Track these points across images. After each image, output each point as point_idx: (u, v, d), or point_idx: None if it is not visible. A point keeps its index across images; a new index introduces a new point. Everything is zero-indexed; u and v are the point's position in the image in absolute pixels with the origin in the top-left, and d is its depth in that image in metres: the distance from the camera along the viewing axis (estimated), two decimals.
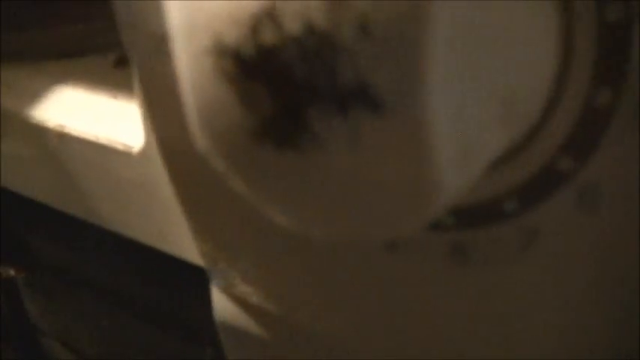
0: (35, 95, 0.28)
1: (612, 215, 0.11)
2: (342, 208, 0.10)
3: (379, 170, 0.09)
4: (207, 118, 0.10)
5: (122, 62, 0.29)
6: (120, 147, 0.22)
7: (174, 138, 0.16)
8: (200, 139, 0.11)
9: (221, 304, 0.19)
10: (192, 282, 0.21)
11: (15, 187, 0.29)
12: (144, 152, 0.21)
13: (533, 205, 0.12)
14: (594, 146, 0.11)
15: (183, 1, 0.10)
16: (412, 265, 0.13)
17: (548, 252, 0.12)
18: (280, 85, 0.09)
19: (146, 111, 0.19)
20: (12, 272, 0.34)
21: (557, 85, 0.10)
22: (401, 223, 0.09)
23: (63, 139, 0.24)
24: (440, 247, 0.13)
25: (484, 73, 0.09)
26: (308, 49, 0.09)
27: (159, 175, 0.20)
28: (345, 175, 0.09)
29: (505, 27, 0.09)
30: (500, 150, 0.10)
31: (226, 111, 0.10)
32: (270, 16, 0.09)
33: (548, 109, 0.11)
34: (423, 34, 0.08)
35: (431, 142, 0.09)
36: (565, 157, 0.11)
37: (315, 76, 0.09)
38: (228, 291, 0.19)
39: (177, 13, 0.10)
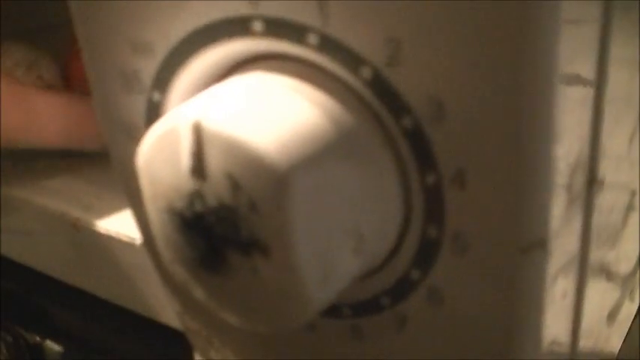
0: (53, 188, 0.34)
1: (454, 309, 0.17)
2: (250, 311, 0.15)
3: (270, 290, 0.15)
4: (165, 248, 0.16)
5: None
6: (125, 239, 0.28)
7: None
8: (164, 260, 0.16)
9: None
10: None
11: (35, 265, 0.34)
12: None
13: (399, 301, 0.17)
14: (433, 262, 0.16)
15: (149, 174, 0.16)
16: (325, 341, 0.19)
17: (415, 334, 0.18)
18: (208, 235, 0.15)
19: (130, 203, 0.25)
20: (37, 339, 0.40)
21: (403, 227, 0.16)
22: (286, 323, 0.15)
23: (79, 229, 0.30)
24: (343, 328, 0.18)
25: (340, 221, 0.15)
26: (221, 215, 0.14)
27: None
28: (249, 291, 0.15)
29: (357, 188, 0.15)
30: (359, 271, 0.16)
31: (177, 247, 0.16)
32: (198, 193, 0.15)
33: (398, 241, 0.16)
34: (288, 202, 0.14)
35: (299, 273, 0.14)
36: (414, 270, 0.17)
37: (227, 231, 0.15)
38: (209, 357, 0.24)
39: (145, 181, 0.16)
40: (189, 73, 0.17)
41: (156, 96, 0.17)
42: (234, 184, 0.14)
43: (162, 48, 0.17)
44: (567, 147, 0.16)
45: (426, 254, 0.16)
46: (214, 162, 0.14)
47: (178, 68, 0.17)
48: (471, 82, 0.14)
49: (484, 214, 0.15)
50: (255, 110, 0.14)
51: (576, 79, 0.18)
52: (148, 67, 0.17)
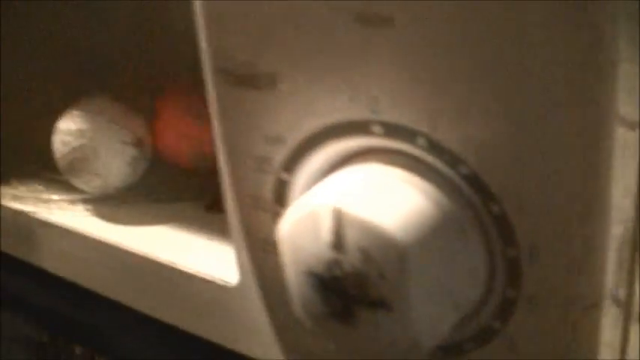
0: (142, 233, 0.38)
1: (526, 353, 0.21)
2: (371, 356, 0.20)
3: (389, 339, 0.19)
4: (300, 302, 0.20)
5: (213, 207, 0.39)
6: (220, 282, 0.33)
7: (271, 277, 0.26)
8: (296, 311, 0.21)
9: None
10: None
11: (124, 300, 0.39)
12: (238, 287, 0.31)
13: (480, 346, 0.22)
14: (510, 316, 0.21)
15: (291, 243, 0.20)
16: None
17: None
18: (342, 294, 0.19)
19: (243, 252, 0.29)
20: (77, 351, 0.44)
21: (487, 288, 0.21)
22: None
23: (174, 273, 0.35)
24: None
25: (444, 284, 0.19)
26: (354, 279, 0.19)
27: (246, 302, 0.30)
28: (372, 340, 0.19)
29: (456, 258, 0.20)
30: (456, 321, 0.20)
31: (312, 302, 0.20)
32: (336, 261, 0.19)
33: (483, 299, 0.21)
34: (408, 270, 0.18)
35: (414, 326, 0.19)
36: (495, 321, 0.21)
37: (358, 292, 0.19)
38: None
39: (286, 248, 0.20)
40: (314, 160, 0.21)
41: (284, 176, 0.22)
42: (367, 256, 0.18)
43: (292, 140, 0.21)
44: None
45: (505, 310, 0.21)
46: (351, 238, 0.19)
47: (305, 156, 0.21)
48: (546, 182, 0.18)
49: (553, 280, 0.19)
50: (380, 198, 0.19)
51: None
52: (279, 154, 0.22)
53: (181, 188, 0.41)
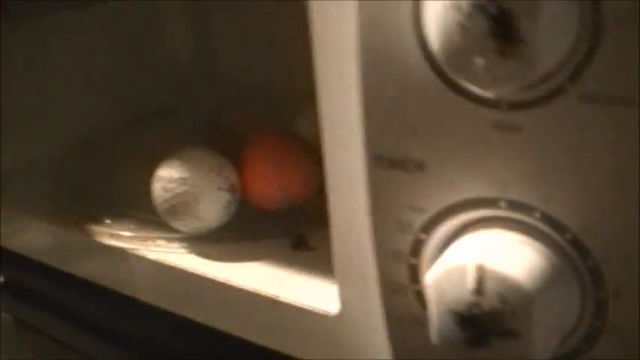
0: (236, 269, 0.45)
1: None
2: None
3: (515, 357, 0.26)
4: (441, 334, 0.28)
5: (299, 246, 0.47)
6: (321, 312, 0.40)
7: (399, 312, 0.33)
8: (434, 339, 0.28)
9: None
10: None
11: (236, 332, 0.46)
12: (339, 315, 0.38)
13: None
14: (596, 341, 0.28)
15: (437, 288, 0.27)
16: None
17: None
18: (479, 327, 0.27)
19: (347, 286, 0.36)
20: None
21: (579, 317, 0.28)
22: None
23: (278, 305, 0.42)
24: None
25: (555, 318, 0.27)
26: (491, 316, 0.26)
27: (345, 329, 0.37)
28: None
29: (561, 300, 0.27)
30: (558, 342, 0.28)
31: (453, 334, 0.27)
32: (476, 303, 0.26)
33: (575, 326, 0.28)
34: (533, 310, 0.26)
35: (535, 349, 0.26)
36: (584, 344, 0.28)
37: (494, 325, 0.26)
38: None
39: (432, 292, 0.27)
40: (448, 224, 0.29)
41: (422, 236, 0.29)
42: (503, 299, 0.26)
43: (432, 210, 0.28)
44: None
45: (592, 335, 0.28)
46: (490, 286, 0.26)
47: (441, 222, 0.29)
48: (629, 242, 0.26)
49: (632, 314, 0.27)
50: (509, 255, 0.26)
51: None
52: (419, 220, 0.29)
53: (267, 228, 0.48)
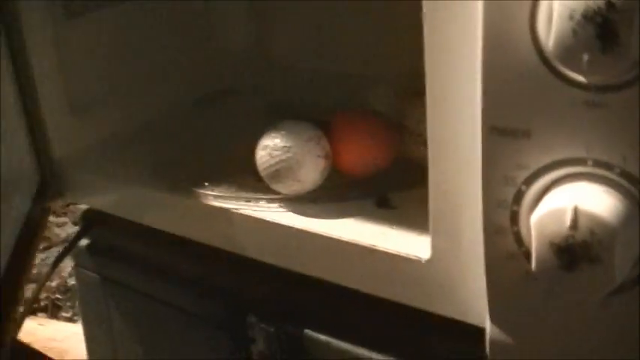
0: (333, 224, 0.54)
1: None
2: (585, 292, 0.36)
3: (597, 278, 0.36)
4: (540, 262, 0.37)
5: (383, 203, 0.56)
6: (413, 257, 0.49)
7: (498, 253, 0.42)
8: (534, 265, 0.37)
9: None
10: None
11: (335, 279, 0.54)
12: (429, 260, 0.48)
13: (634, 287, 0.38)
14: None
15: (539, 225, 0.36)
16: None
17: None
18: (572, 254, 0.36)
19: (441, 234, 0.45)
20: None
21: None
22: (601, 294, 0.36)
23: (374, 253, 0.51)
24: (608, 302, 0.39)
25: (628, 248, 0.36)
26: (582, 245, 0.35)
27: (436, 273, 0.46)
28: (589, 280, 0.36)
29: (634, 235, 0.36)
30: (630, 267, 0.37)
31: (551, 263, 0.36)
32: (571, 235, 0.36)
33: None
34: (615, 241, 0.35)
35: (613, 271, 0.35)
36: None
37: (584, 252, 0.35)
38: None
39: (535, 227, 0.37)
40: (545, 178, 0.38)
41: (523, 188, 0.38)
42: (592, 232, 0.35)
43: (533, 167, 0.38)
44: None
45: None
46: (583, 222, 0.35)
47: (540, 176, 0.38)
48: None
49: None
50: (597, 199, 0.36)
51: None
52: (522, 175, 0.38)
53: (353, 191, 0.57)
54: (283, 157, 0.54)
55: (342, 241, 0.52)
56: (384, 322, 0.53)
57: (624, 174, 0.36)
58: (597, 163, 0.36)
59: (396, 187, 0.56)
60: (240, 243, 0.58)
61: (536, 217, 0.36)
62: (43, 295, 1.18)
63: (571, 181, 0.37)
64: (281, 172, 0.54)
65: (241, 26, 0.88)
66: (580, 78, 0.35)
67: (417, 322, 0.50)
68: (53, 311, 1.19)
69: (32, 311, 1.10)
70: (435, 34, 0.40)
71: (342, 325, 0.55)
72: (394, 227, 0.52)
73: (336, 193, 0.57)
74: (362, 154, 0.55)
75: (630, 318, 0.38)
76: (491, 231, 0.40)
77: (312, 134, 0.55)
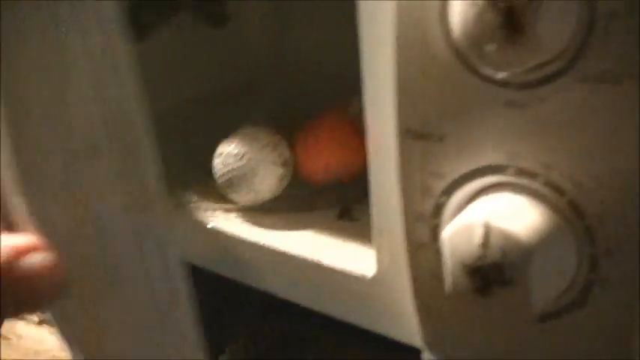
0: (287, 236, 0.51)
1: (603, 318, 0.33)
2: (501, 312, 0.32)
3: (514, 301, 0.31)
4: (452, 283, 0.33)
5: (345, 215, 0.52)
6: (358, 274, 0.45)
7: (422, 268, 0.38)
8: (447, 288, 0.33)
9: None
10: None
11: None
12: (374, 277, 0.44)
13: (571, 312, 0.34)
14: (591, 291, 0.33)
15: (451, 243, 0.32)
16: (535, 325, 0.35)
17: (588, 317, 0.34)
18: (484, 277, 0.32)
19: (384, 251, 0.41)
20: None
21: (576, 272, 0.33)
22: (524, 318, 0.31)
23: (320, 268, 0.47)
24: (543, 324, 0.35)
25: (552, 271, 0.32)
26: (493, 267, 0.31)
27: (380, 289, 0.43)
28: (504, 303, 0.31)
29: (560, 256, 0.32)
30: (556, 294, 0.32)
31: (462, 283, 0.32)
32: (482, 255, 0.31)
33: (573, 280, 0.33)
34: (530, 263, 0.31)
35: (531, 297, 0.31)
36: (580, 295, 0.33)
37: (496, 274, 0.31)
38: None
39: (447, 246, 0.32)
40: (464, 189, 0.34)
41: (442, 199, 0.34)
42: (504, 253, 0.31)
43: (451, 176, 0.34)
44: None
45: (587, 289, 0.33)
46: (494, 241, 0.31)
47: (459, 187, 0.34)
48: (619, 206, 0.30)
49: (622, 270, 0.31)
50: (513, 215, 0.31)
51: None
52: (439, 185, 0.34)
53: (316, 200, 0.54)
54: (236, 165, 0.51)
55: (287, 255, 0.48)
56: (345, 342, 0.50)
57: (548, 184, 0.31)
58: (519, 172, 0.32)
59: (360, 198, 0.52)
60: (197, 254, 0.55)
61: (447, 233, 0.32)
62: None
63: (494, 191, 0.33)
64: (234, 180, 0.52)
65: (261, 26, 0.85)
66: (499, 74, 0.31)
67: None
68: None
69: (39, 323, 1.09)
70: (370, 35, 0.37)
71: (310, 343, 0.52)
72: (349, 241, 0.49)
73: (296, 203, 0.53)
74: (327, 162, 0.52)
75: (570, 344, 0.34)
76: (413, 248, 0.36)
77: (268, 140, 0.52)
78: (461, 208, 0.34)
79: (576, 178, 0.31)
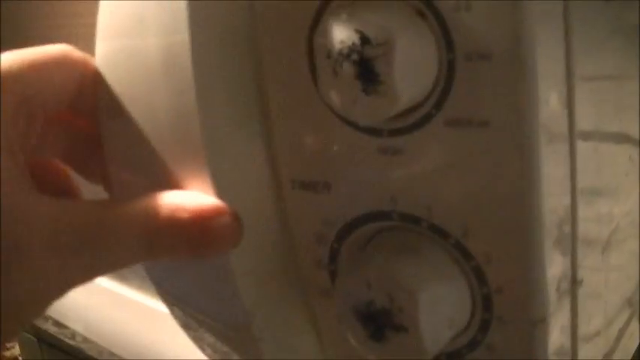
0: None
1: (500, 353, 0.33)
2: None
3: (406, 350, 0.31)
4: (351, 330, 0.33)
5: None
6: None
7: (327, 316, 0.38)
8: (344, 334, 0.33)
9: None
10: None
11: None
12: None
13: (470, 352, 0.34)
14: (488, 330, 0.33)
15: (342, 286, 0.32)
16: None
17: None
18: (376, 323, 0.32)
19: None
20: None
21: (472, 312, 0.33)
22: None
23: None
24: None
25: (444, 314, 0.32)
26: (384, 313, 0.31)
27: None
28: (396, 350, 0.32)
29: (453, 301, 0.32)
30: (452, 336, 0.32)
31: (357, 329, 0.32)
32: (372, 302, 0.31)
33: (469, 320, 0.33)
34: (419, 309, 0.31)
35: (424, 341, 0.31)
36: (478, 333, 0.33)
37: (387, 321, 0.31)
38: None
39: (338, 295, 0.33)
40: (355, 233, 0.34)
41: (335, 245, 0.34)
42: (391, 297, 0.31)
43: (341, 222, 0.34)
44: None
45: (484, 326, 0.33)
46: (382, 287, 0.31)
47: (349, 231, 0.34)
48: (502, 246, 0.30)
49: (513, 306, 0.32)
50: (400, 260, 0.31)
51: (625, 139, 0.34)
52: (332, 231, 0.34)
53: None
54: None
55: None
56: None
57: (432, 228, 0.31)
58: (403, 217, 0.32)
59: None
60: None
61: (338, 280, 0.32)
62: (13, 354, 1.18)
63: (384, 236, 0.33)
64: None
65: None
66: (363, 123, 0.31)
67: None
68: None
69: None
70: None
71: None
72: None
73: None
74: None
75: None
76: (315, 293, 0.36)
77: None
78: (353, 253, 0.34)
79: (459, 220, 0.31)
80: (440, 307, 0.31)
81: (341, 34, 0.28)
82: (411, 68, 0.28)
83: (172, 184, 0.33)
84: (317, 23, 0.31)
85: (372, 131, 0.31)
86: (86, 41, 0.37)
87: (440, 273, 0.31)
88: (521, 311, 0.32)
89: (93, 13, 0.36)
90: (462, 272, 0.32)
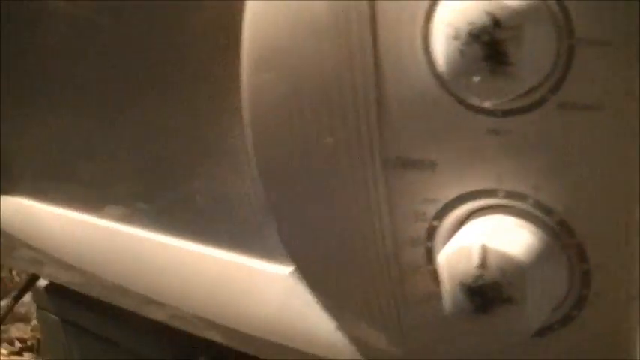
0: None
1: (596, 332, 0.35)
2: (499, 333, 0.34)
3: (512, 322, 0.33)
4: (452, 302, 0.35)
5: None
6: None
7: (418, 289, 0.40)
8: (447, 309, 0.35)
9: None
10: None
11: None
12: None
13: (564, 326, 0.36)
14: (584, 305, 0.35)
15: (449, 265, 0.34)
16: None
17: (575, 332, 0.36)
18: (483, 296, 0.33)
19: None
20: None
21: (569, 287, 0.35)
22: (516, 338, 0.33)
23: None
24: (539, 340, 0.37)
25: (547, 289, 0.34)
26: (492, 285, 0.33)
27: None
28: (502, 323, 0.33)
29: (554, 274, 0.34)
30: (550, 310, 0.34)
31: (462, 302, 0.34)
32: (480, 275, 0.33)
33: (566, 295, 0.35)
34: (527, 281, 0.33)
35: (528, 314, 0.33)
36: (574, 310, 0.35)
37: (494, 293, 0.33)
38: None
39: (445, 268, 0.34)
40: (456, 212, 0.36)
41: (435, 223, 0.36)
42: (502, 272, 0.33)
43: (443, 201, 0.35)
44: None
45: (580, 302, 0.35)
46: (492, 261, 0.33)
47: (451, 210, 0.36)
48: (606, 223, 0.33)
49: (611, 283, 0.34)
50: (508, 236, 0.33)
51: None
52: (432, 209, 0.36)
53: None
54: None
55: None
56: None
57: (538, 205, 0.33)
58: (509, 195, 0.34)
59: None
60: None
61: (444, 255, 0.34)
62: (29, 335, 1.18)
63: (485, 214, 0.35)
64: None
65: None
66: (485, 104, 0.33)
67: None
68: (40, 350, 1.19)
69: (19, 351, 1.09)
70: None
71: None
72: None
73: None
74: None
75: (566, 356, 0.36)
76: (407, 270, 0.38)
77: None
78: (453, 230, 0.35)
79: (565, 199, 0.33)
80: (543, 282, 0.33)
81: (470, 16, 0.30)
82: (536, 49, 0.30)
83: None
84: (434, 6, 0.33)
85: (487, 111, 0.33)
86: None
87: (544, 249, 0.33)
88: (618, 287, 0.34)
89: None
90: (564, 248, 0.34)
